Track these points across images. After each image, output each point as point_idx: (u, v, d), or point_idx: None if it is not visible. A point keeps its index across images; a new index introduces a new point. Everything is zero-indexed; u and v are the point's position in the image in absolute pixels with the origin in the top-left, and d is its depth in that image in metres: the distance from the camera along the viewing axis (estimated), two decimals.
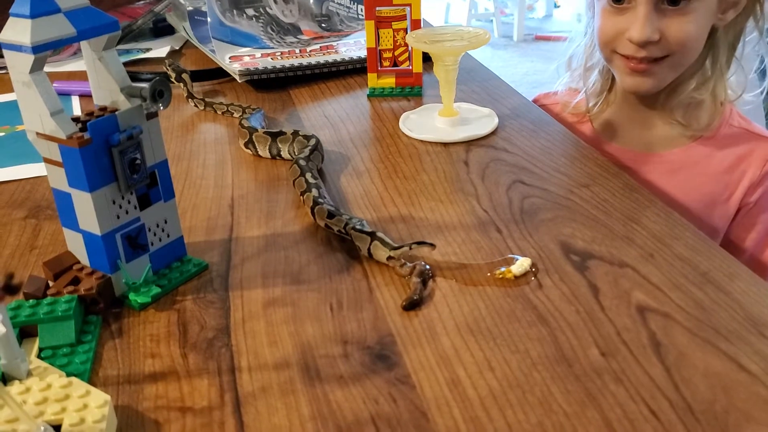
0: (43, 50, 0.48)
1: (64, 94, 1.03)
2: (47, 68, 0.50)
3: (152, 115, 0.55)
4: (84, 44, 0.54)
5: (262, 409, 0.45)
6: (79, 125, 0.52)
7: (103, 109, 0.55)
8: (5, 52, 0.49)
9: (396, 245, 0.58)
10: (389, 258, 0.58)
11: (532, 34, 4.90)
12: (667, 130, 0.95)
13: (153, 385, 0.47)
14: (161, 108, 0.54)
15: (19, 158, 0.83)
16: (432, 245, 0.58)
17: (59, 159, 0.52)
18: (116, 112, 0.52)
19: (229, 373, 0.48)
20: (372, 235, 0.59)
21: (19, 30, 0.48)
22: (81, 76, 1.09)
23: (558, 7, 5.60)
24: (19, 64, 0.49)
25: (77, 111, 0.99)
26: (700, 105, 0.92)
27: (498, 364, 0.47)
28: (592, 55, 0.99)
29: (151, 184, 0.56)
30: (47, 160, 0.53)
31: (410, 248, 0.58)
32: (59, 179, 0.53)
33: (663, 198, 0.89)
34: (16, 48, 0.48)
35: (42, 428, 0.40)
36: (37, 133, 0.52)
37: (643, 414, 0.43)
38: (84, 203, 0.52)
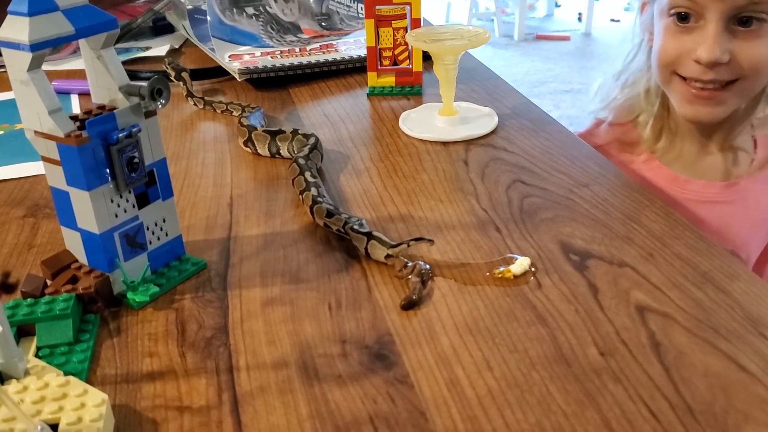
0: (41, 48, 0.48)
1: (64, 93, 1.03)
2: (46, 66, 0.50)
3: (151, 114, 0.55)
4: (82, 42, 0.53)
5: (260, 408, 0.45)
6: (78, 124, 0.51)
7: (102, 107, 0.54)
8: (3, 50, 0.49)
9: (394, 243, 0.58)
10: (387, 256, 0.58)
11: (533, 33, 4.90)
12: (723, 159, 0.91)
13: (151, 384, 0.47)
14: (160, 106, 0.54)
15: (18, 157, 0.82)
16: (430, 241, 0.58)
17: (57, 157, 0.51)
18: (114, 111, 0.52)
19: (227, 372, 0.48)
20: (368, 236, 0.59)
21: (17, 28, 0.48)
22: (80, 74, 1.08)
23: (559, 6, 5.61)
24: (17, 63, 0.49)
25: (76, 109, 0.99)
26: (760, 135, 0.90)
27: (497, 364, 0.47)
28: (648, 80, 0.93)
29: (150, 183, 0.56)
30: (45, 159, 0.53)
31: (408, 245, 0.58)
32: (57, 178, 0.53)
33: (733, 228, 0.88)
34: (14, 46, 0.48)
35: (39, 427, 0.40)
36: (35, 132, 0.52)
37: (642, 414, 0.42)
38: (82, 202, 0.52)
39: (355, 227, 0.60)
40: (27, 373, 0.45)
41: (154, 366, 0.49)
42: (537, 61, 4.30)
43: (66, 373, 0.46)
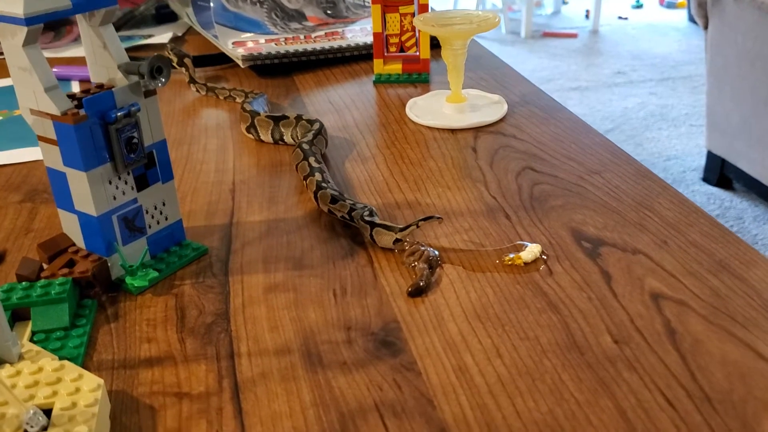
0: (37, 22, 0.47)
1: (65, 79, 1.02)
2: (48, 54, 0.49)
3: (150, 93, 0.53)
4: (81, 19, 0.52)
5: (262, 395, 0.43)
6: (75, 102, 0.50)
7: (101, 86, 0.53)
8: None
9: (402, 226, 0.56)
10: (396, 241, 0.56)
11: (540, 30, 4.87)
12: None
13: (149, 370, 0.46)
14: (160, 85, 0.52)
15: (17, 142, 0.81)
16: (439, 218, 0.57)
17: (54, 137, 0.50)
18: (113, 89, 0.51)
19: (228, 358, 0.46)
20: (372, 225, 0.57)
21: (12, 1, 0.46)
22: (81, 61, 1.07)
23: (566, 3, 5.57)
24: (13, 38, 0.47)
25: None
26: None
27: (506, 351, 0.45)
28: None
29: (149, 165, 0.54)
30: (41, 138, 0.51)
31: (417, 226, 0.56)
32: (54, 158, 0.51)
33: None
34: (9, 20, 0.47)
35: (32, 412, 0.38)
36: (31, 110, 0.50)
37: (659, 402, 0.41)
38: (79, 183, 0.51)
39: (364, 216, 0.58)
40: (21, 357, 0.44)
41: (152, 352, 0.47)
42: (544, 58, 4.27)
43: (61, 359, 0.44)
